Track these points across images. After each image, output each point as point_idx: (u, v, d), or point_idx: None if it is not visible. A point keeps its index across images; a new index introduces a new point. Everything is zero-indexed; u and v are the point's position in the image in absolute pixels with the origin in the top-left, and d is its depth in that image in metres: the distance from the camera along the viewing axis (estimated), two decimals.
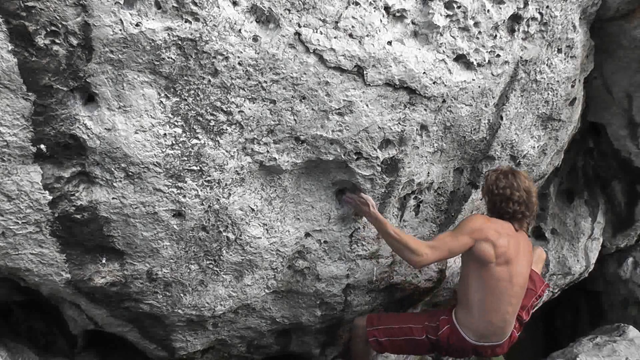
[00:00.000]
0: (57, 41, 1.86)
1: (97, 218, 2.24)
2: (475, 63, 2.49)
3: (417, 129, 2.52)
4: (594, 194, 4.19)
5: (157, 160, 2.16)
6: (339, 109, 2.30)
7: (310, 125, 2.31)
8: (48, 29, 1.83)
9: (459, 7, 2.33)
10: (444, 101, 2.51)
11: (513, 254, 2.59)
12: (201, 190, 2.30)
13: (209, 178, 2.28)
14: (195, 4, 1.94)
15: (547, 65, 2.78)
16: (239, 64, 2.09)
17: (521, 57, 2.66)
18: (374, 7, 2.19)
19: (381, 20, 2.23)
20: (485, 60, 2.52)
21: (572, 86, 2.98)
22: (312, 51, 2.16)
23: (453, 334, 2.71)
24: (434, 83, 2.42)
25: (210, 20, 1.98)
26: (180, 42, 1.98)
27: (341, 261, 2.84)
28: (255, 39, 2.07)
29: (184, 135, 2.16)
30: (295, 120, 2.28)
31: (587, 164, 4.05)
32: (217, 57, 2.05)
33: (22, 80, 1.88)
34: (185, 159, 2.20)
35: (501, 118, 2.81)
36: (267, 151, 2.32)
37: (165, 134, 2.13)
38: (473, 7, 2.37)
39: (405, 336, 2.81)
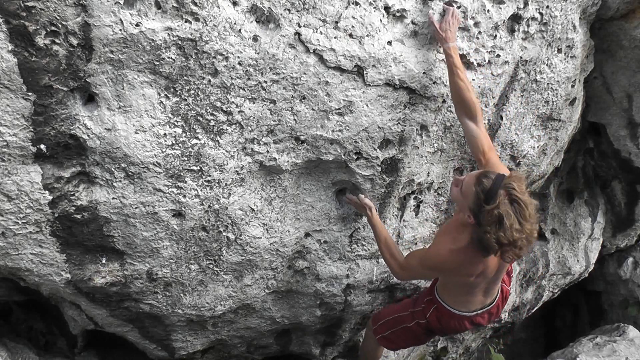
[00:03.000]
0: (57, 41, 1.86)
1: (97, 218, 2.24)
2: (475, 63, 2.49)
3: (417, 129, 2.52)
4: (594, 194, 4.19)
5: (157, 160, 2.16)
6: (339, 109, 2.30)
7: (310, 125, 2.31)
8: (48, 29, 1.83)
9: (459, 7, 2.33)
10: (444, 101, 2.51)
11: (491, 265, 2.29)
12: (201, 190, 2.30)
13: (209, 178, 2.29)
14: (195, 4, 1.94)
15: (547, 65, 2.78)
16: (239, 64, 2.09)
17: (521, 57, 2.66)
18: (374, 7, 2.19)
19: (381, 20, 2.23)
20: (485, 60, 2.52)
21: (572, 86, 2.98)
22: (312, 51, 2.16)
23: (442, 314, 2.60)
24: (434, 83, 2.42)
25: (210, 20, 1.98)
26: (180, 42, 1.98)
27: (341, 261, 2.84)
28: (255, 39, 2.07)
29: (184, 135, 2.16)
30: (295, 120, 2.28)
31: (587, 164, 4.05)
32: (217, 57, 2.05)
33: (22, 80, 1.88)
34: (185, 159, 2.20)
35: (501, 118, 2.81)
36: (267, 151, 2.32)
37: (165, 134, 2.13)
38: (473, 7, 2.37)
39: (400, 325, 2.78)
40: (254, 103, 2.19)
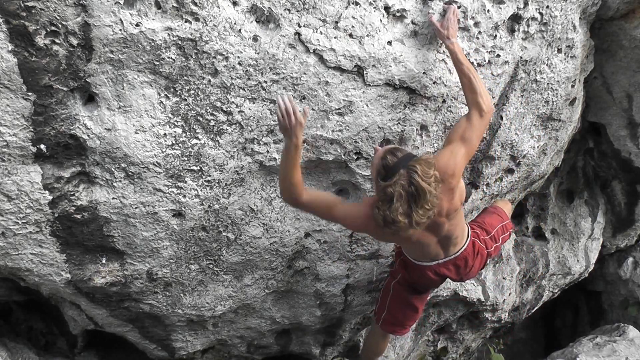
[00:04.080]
0: (57, 41, 1.86)
1: (97, 218, 2.24)
2: (475, 63, 2.49)
3: (417, 129, 2.52)
4: (594, 194, 4.19)
5: (157, 160, 2.16)
6: (339, 109, 2.30)
7: (310, 125, 2.31)
8: (48, 29, 1.83)
9: (459, 7, 2.33)
10: (444, 101, 2.51)
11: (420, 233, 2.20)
12: (201, 190, 2.30)
13: (209, 178, 2.29)
14: (195, 4, 1.94)
15: (547, 65, 2.78)
16: (239, 64, 2.09)
17: (521, 57, 2.66)
18: (374, 7, 2.19)
19: (381, 20, 2.23)
20: (485, 60, 2.52)
21: (572, 86, 2.98)
22: (312, 51, 2.16)
23: (407, 264, 2.56)
24: (434, 83, 2.42)
25: (210, 20, 1.98)
26: (180, 42, 1.98)
27: (341, 261, 2.84)
28: (255, 39, 2.07)
29: (184, 135, 2.16)
30: None
31: (587, 164, 4.05)
32: (217, 57, 2.05)
33: (22, 80, 1.88)
34: (185, 159, 2.20)
35: (501, 118, 2.81)
36: (267, 151, 2.32)
37: (165, 134, 2.13)
38: (473, 7, 2.37)
39: (388, 296, 2.75)
40: (254, 103, 2.19)
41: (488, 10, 2.42)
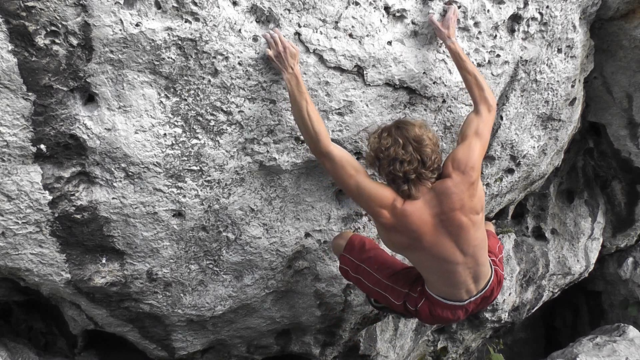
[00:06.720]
0: (57, 41, 1.86)
1: (97, 218, 2.25)
2: (475, 63, 2.49)
3: None
4: (594, 194, 4.19)
5: (157, 160, 2.16)
6: (339, 109, 2.30)
7: None
8: (48, 29, 1.83)
9: (459, 7, 2.33)
10: (444, 101, 2.51)
11: (423, 223, 2.15)
12: (201, 190, 2.30)
13: (209, 178, 2.29)
14: (195, 4, 1.94)
15: (547, 65, 2.78)
16: (239, 64, 2.09)
17: (521, 57, 2.66)
18: (374, 7, 2.19)
19: (381, 20, 2.23)
20: (485, 60, 2.52)
21: (572, 86, 2.98)
22: (312, 51, 2.16)
23: (434, 305, 2.40)
24: (434, 83, 2.42)
25: (210, 20, 1.98)
26: (180, 42, 1.98)
27: None
28: (255, 39, 2.07)
29: (184, 135, 2.16)
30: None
31: (587, 164, 4.05)
32: (217, 57, 2.05)
33: (22, 80, 1.88)
34: (185, 159, 2.20)
35: (501, 118, 2.81)
36: (267, 151, 2.32)
37: (165, 134, 2.13)
38: (473, 7, 2.37)
39: (380, 291, 2.55)
40: (254, 103, 2.19)
41: (488, 10, 2.42)
